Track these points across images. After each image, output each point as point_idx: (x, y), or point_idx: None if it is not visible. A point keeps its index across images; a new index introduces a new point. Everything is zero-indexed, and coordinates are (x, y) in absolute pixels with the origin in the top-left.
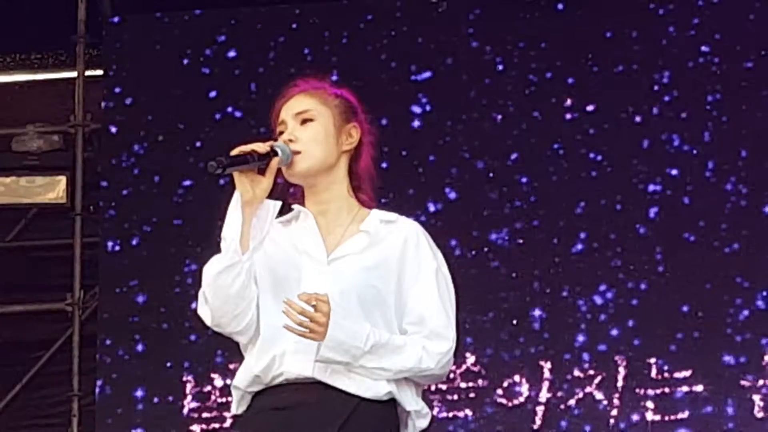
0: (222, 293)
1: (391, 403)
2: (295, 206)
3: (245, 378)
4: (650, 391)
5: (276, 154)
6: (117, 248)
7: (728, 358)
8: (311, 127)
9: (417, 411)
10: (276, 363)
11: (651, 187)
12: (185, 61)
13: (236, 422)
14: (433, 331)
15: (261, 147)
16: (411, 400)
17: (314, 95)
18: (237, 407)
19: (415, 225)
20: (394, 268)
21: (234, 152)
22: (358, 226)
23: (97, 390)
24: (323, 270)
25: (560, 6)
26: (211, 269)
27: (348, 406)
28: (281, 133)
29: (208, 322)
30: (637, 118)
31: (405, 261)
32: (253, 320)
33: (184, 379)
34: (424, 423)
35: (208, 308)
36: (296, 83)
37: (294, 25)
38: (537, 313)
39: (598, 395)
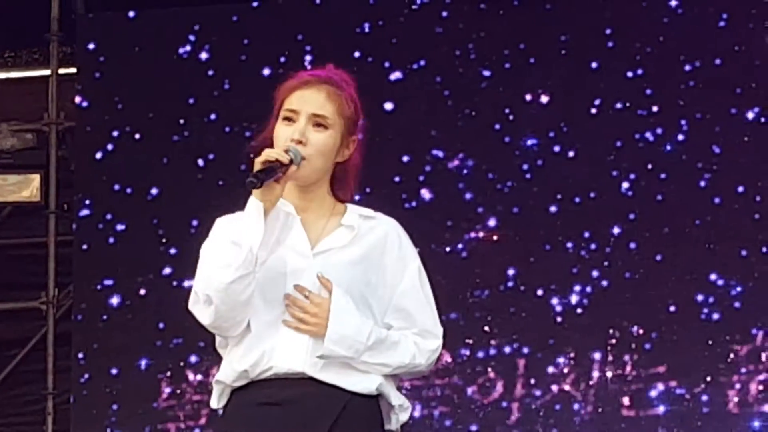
0: (231, 301)
1: (377, 397)
2: (279, 208)
3: (231, 373)
4: (625, 388)
5: (293, 163)
6: (91, 246)
7: (704, 354)
8: (323, 136)
9: (400, 405)
10: (265, 358)
11: (625, 184)
12: (159, 59)
13: (220, 416)
14: (423, 329)
15: (284, 157)
16: (395, 394)
17: (335, 100)
18: (218, 401)
19: (394, 222)
20: (375, 263)
21: (261, 160)
22: (338, 220)
23: (73, 388)
24: (309, 263)
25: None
26: (222, 276)
27: (339, 402)
28: (288, 119)
29: (205, 322)
30: (612, 111)
31: (388, 257)
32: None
33: (159, 376)
34: (405, 416)
35: (211, 310)
36: (316, 70)
37: (267, 23)
38: (512, 309)
39: (574, 392)
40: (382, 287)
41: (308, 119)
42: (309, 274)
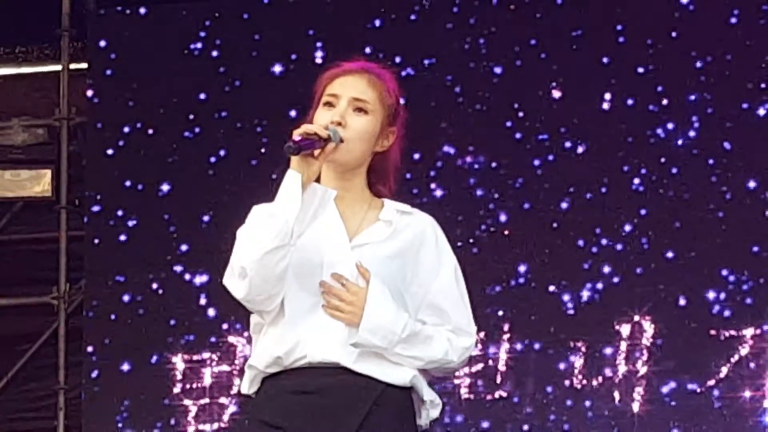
0: (265, 272)
1: (410, 390)
2: (315, 185)
3: (264, 358)
4: (637, 383)
5: (332, 140)
6: (102, 242)
7: (715, 350)
8: (363, 121)
9: (431, 401)
10: (300, 346)
11: (636, 180)
12: (170, 55)
13: (251, 403)
14: (457, 326)
15: (322, 131)
16: (427, 390)
17: (376, 87)
18: (249, 387)
19: (431, 218)
20: (412, 259)
21: (300, 131)
22: (376, 214)
23: (84, 383)
24: (347, 255)
25: None
26: (258, 246)
27: (373, 392)
28: (328, 104)
29: (239, 295)
30: (623, 106)
31: (424, 253)
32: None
33: (170, 372)
34: (436, 413)
35: (245, 283)
36: (357, 59)
37: (278, 19)
38: (523, 305)
39: (585, 388)
40: (417, 283)
41: (349, 103)
42: (346, 265)
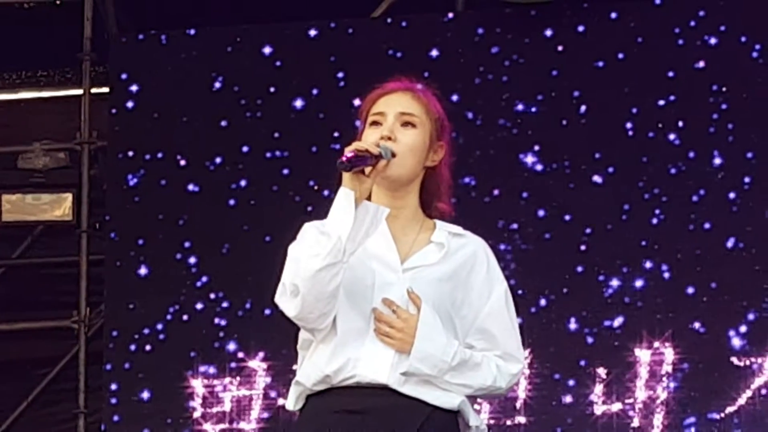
0: (318, 290)
1: (457, 415)
2: (368, 202)
3: (313, 376)
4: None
5: (383, 157)
6: (122, 267)
7: (729, 375)
8: (412, 134)
9: (477, 426)
10: (350, 365)
11: (657, 210)
12: (191, 80)
13: (296, 420)
14: (506, 352)
15: (374, 148)
16: (474, 415)
17: (421, 102)
18: (294, 404)
19: (483, 241)
20: (463, 282)
21: (351, 148)
22: (427, 236)
23: (103, 410)
24: (398, 278)
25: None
26: (311, 264)
27: (421, 414)
28: (375, 123)
29: (291, 313)
30: (644, 137)
31: (475, 277)
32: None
33: (191, 391)
34: None
35: (298, 301)
36: (399, 78)
37: (302, 44)
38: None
39: (604, 415)
40: (467, 307)
41: (396, 118)
42: (397, 288)
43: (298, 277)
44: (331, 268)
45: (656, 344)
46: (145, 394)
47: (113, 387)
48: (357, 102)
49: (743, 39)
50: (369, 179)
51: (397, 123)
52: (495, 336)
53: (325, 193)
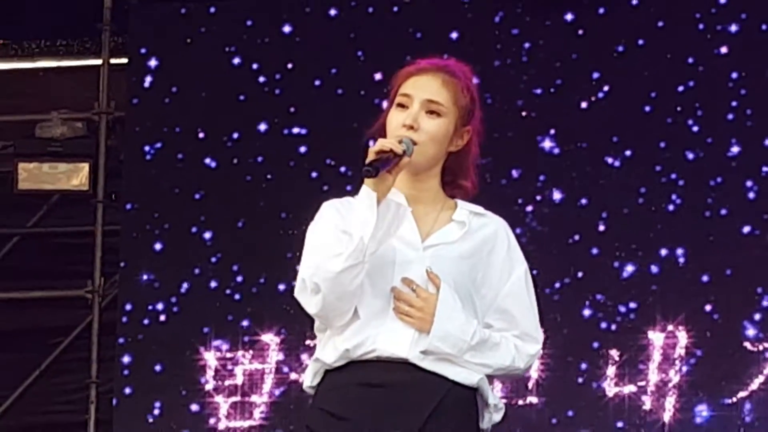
0: (340, 290)
1: (476, 392)
2: (390, 200)
3: (333, 352)
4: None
5: (406, 154)
6: (138, 239)
7: (742, 360)
8: (436, 123)
9: (495, 405)
10: (370, 340)
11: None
12: (210, 51)
13: (314, 394)
14: (524, 332)
15: (397, 147)
16: (492, 393)
17: (450, 88)
18: (312, 379)
19: (504, 221)
20: (483, 261)
21: (376, 149)
22: (449, 215)
23: (115, 380)
24: (419, 256)
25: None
26: (332, 266)
27: (441, 389)
28: (402, 105)
29: (312, 311)
30: (663, 121)
31: (495, 256)
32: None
33: (202, 372)
34: (498, 417)
35: (318, 299)
36: (433, 59)
37: (322, 22)
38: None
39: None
40: (487, 286)
41: (422, 105)
42: (417, 266)
43: (319, 277)
44: (353, 269)
45: (670, 327)
46: (158, 367)
47: (126, 360)
48: (378, 77)
49: (764, 27)
50: (391, 177)
51: (422, 110)
52: (514, 316)
53: (342, 169)
